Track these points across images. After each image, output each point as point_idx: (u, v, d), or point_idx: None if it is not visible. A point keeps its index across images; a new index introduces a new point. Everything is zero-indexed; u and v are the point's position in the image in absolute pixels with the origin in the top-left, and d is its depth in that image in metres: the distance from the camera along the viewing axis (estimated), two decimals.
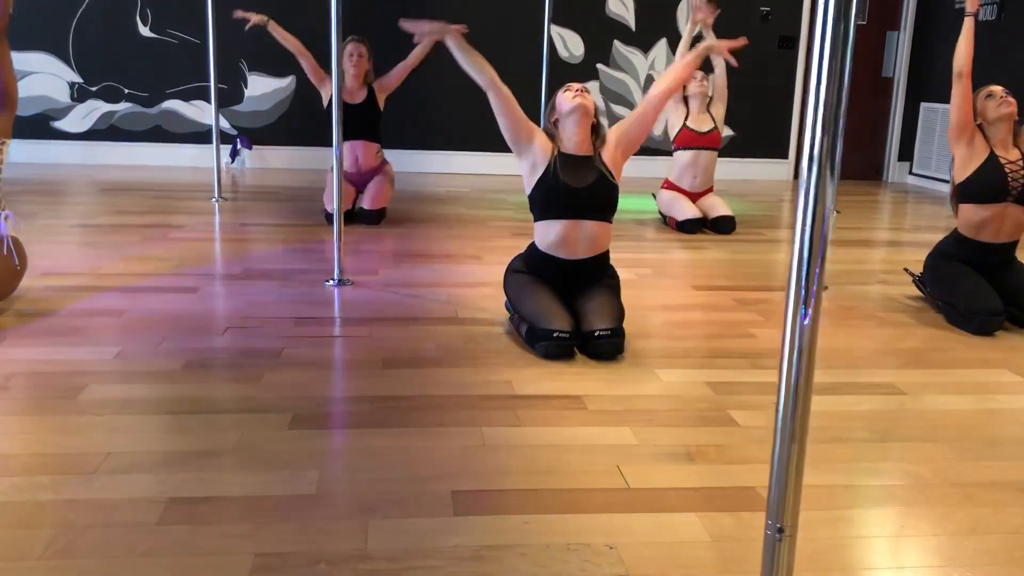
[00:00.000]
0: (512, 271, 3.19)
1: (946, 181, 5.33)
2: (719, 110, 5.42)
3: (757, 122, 7.76)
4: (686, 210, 5.22)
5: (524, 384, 2.66)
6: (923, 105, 7.72)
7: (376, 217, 5.08)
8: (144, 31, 7.08)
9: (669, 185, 5.41)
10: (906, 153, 8.00)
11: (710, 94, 5.42)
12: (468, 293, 3.68)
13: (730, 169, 7.73)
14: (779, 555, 1.25)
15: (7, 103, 3.16)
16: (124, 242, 4.40)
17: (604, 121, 3.21)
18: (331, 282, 3.73)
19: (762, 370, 2.88)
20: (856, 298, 3.82)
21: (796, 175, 7.90)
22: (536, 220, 3.12)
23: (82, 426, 2.26)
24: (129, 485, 1.96)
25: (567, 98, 3.04)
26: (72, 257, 4.07)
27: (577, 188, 3.01)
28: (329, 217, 4.98)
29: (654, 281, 4.04)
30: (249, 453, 2.15)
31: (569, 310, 2.98)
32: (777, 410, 1.25)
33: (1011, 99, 3.45)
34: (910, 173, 7.99)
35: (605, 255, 3.14)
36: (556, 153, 3.05)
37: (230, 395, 2.51)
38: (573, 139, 3.05)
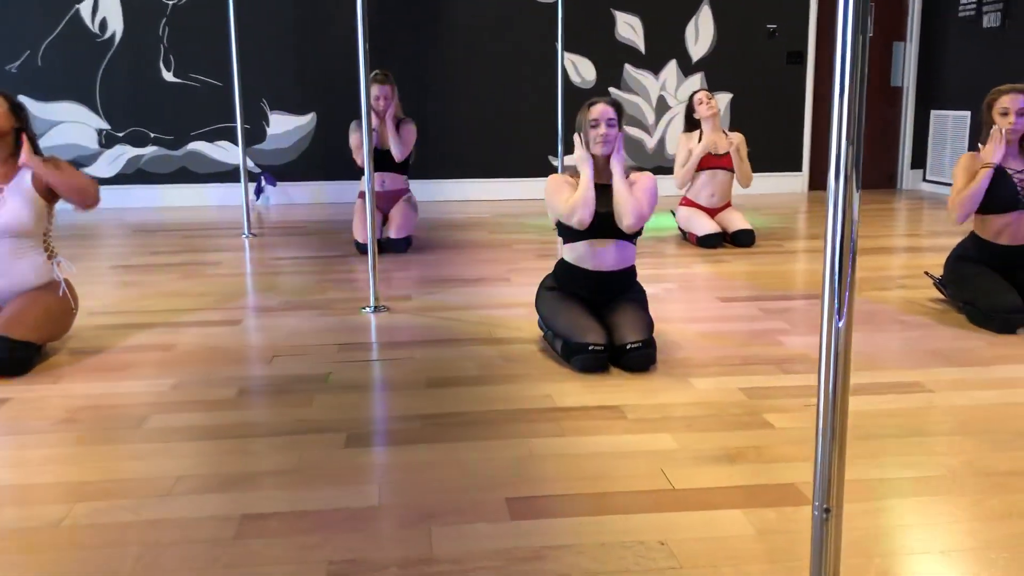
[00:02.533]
0: (544, 288, 3.31)
1: None
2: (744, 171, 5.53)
3: (770, 137, 7.87)
4: (705, 226, 5.34)
5: (564, 397, 2.77)
6: (933, 113, 7.82)
7: (404, 245, 5.23)
8: (168, 76, 7.28)
9: (687, 202, 5.53)
10: (919, 160, 8.09)
11: (720, 112, 5.53)
12: (501, 314, 3.79)
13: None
14: (827, 534, 1.35)
15: (85, 201, 3.29)
16: (163, 280, 4.55)
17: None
18: (367, 309, 3.86)
19: (792, 375, 2.97)
20: (879, 303, 3.91)
21: (811, 187, 8.03)
22: (564, 242, 3.24)
23: (150, 453, 2.38)
24: (203, 505, 2.08)
25: (593, 139, 3.16)
26: (115, 296, 4.22)
27: (602, 212, 3.13)
28: (360, 247, 5.12)
29: (679, 295, 4.15)
30: (311, 471, 2.26)
31: (601, 324, 3.10)
32: (819, 401, 1.35)
33: (1022, 120, 3.50)
34: (923, 180, 8.07)
35: (631, 269, 3.26)
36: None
37: (285, 418, 2.63)
38: (602, 170, 3.20)
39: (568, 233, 3.21)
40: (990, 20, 7.06)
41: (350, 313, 3.84)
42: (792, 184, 8.02)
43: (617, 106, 3.21)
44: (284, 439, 2.47)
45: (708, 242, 5.29)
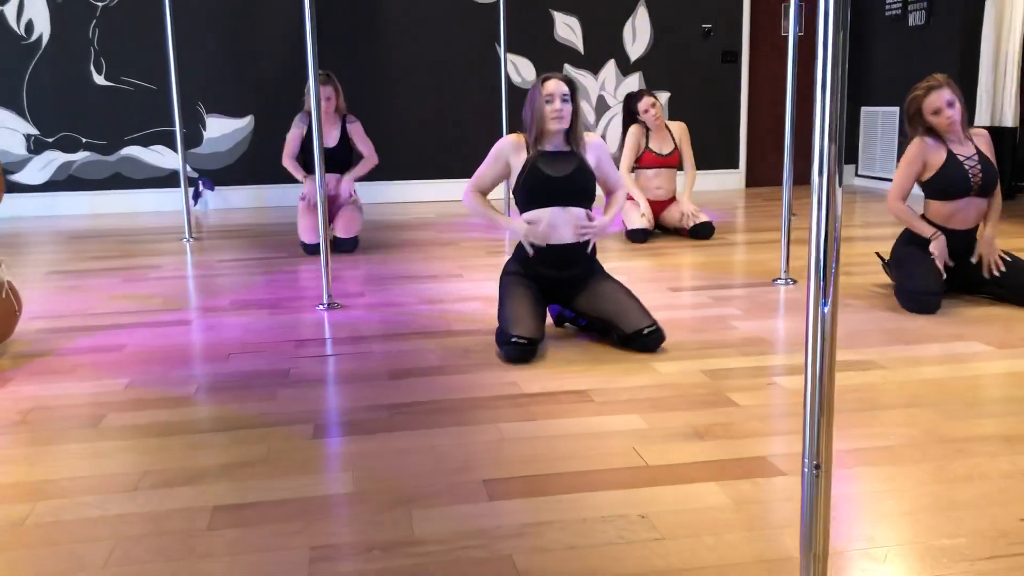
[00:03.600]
0: (505, 273, 3.31)
1: (890, 180, 5.50)
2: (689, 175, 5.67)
3: (707, 135, 8.01)
4: (635, 220, 5.40)
5: (530, 384, 2.78)
6: (863, 109, 8.05)
7: (351, 244, 5.18)
8: (99, 79, 7.10)
9: (630, 196, 5.59)
10: (851, 156, 8.32)
11: (664, 117, 5.62)
12: (457, 308, 3.78)
13: (683, 181, 7.96)
14: (818, 489, 1.37)
15: None
16: (105, 284, 4.43)
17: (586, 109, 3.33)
18: (321, 306, 3.81)
19: (750, 356, 3.02)
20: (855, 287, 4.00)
21: (748, 184, 8.18)
22: (521, 213, 3.25)
23: (112, 450, 2.31)
24: (172, 498, 2.02)
25: (549, 115, 3.16)
26: (57, 301, 4.09)
27: (556, 177, 3.17)
28: (307, 247, 5.07)
29: (630, 286, 4.18)
30: (280, 462, 2.22)
31: (556, 312, 3.12)
32: (807, 369, 1.39)
33: (955, 109, 3.58)
34: (856, 175, 8.30)
35: (587, 244, 3.27)
36: (534, 152, 3.21)
37: (249, 412, 2.58)
38: (554, 140, 3.22)
39: (524, 201, 3.24)
40: (915, 18, 7.30)
41: (303, 312, 3.79)
42: (729, 181, 8.17)
43: (570, 82, 3.20)
44: (250, 432, 2.42)
45: (636, 236, 5.36)
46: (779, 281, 4.17)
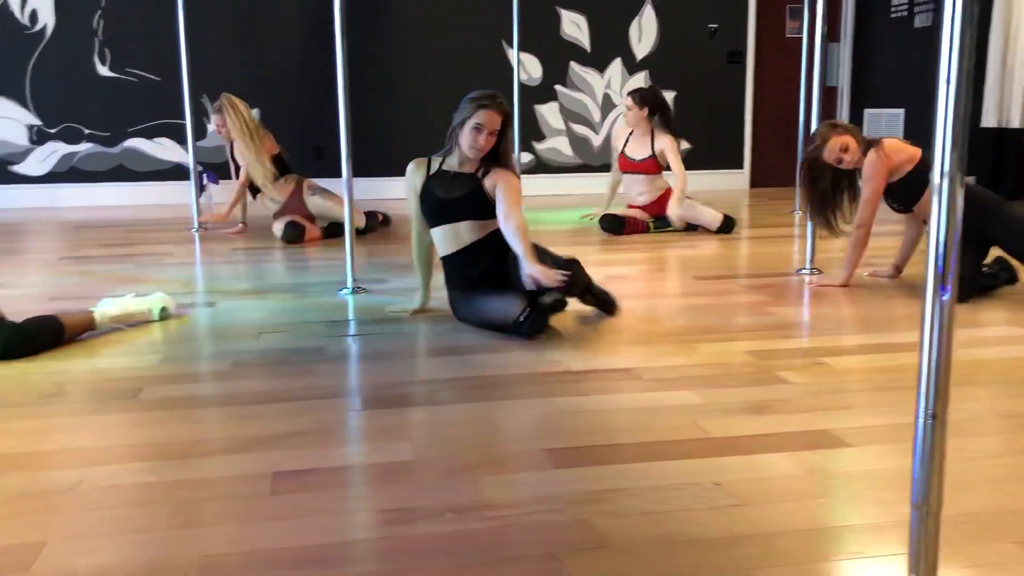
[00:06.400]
0: (450, 302, 3.26)
1: None
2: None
3: (711, 135, 8.01)
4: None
5: (574, 362, 2.73)
6: (867, 111, 8.06)
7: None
8: (103, 70, 7.02)
9: (629, 205, 5.56)
10: None
11: (646, 117, 5.41)
12: None
13: (690, 181, 7.94)
14: (935, 439, 1.34)
15: None
16: (119, 270, 4.35)
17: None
18: (345, 290, 3.75)
19: (793, 338, 2.99)
20: (858, 279, 3.96)
21: (752, 184, 8.18)
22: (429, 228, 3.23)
23: (155, 420, 2.25)
24: (227, 465, 1.96)
25: (471, 142, 3.04)
26: (72, 284, 4.01)
27: (445, 199, 3.11)
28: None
29: (654, 274, 4.15)
30: (333, 432, 2.17)
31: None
32: (923, 320, 1.37)
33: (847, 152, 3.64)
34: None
35: (495, 235, 3.11)
36: (435, 171, 3.17)
37: (291, 386, 2.51)
38: (464, 162, 3.13)
39: (426, 218, 3.21)
40: (922, 20, 7.32)
41: (327, 295, 3.73)
42: (734, 181, 8.16)
43: (506, 114, 3.08)
44: (296, 404, 2.36)
45: (605, 224, 5.31)
46: (804, 271, 4.14)
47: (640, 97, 5.42)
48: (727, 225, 5.37)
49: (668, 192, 5.47)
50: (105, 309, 3.10)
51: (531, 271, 2.86)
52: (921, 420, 1.36)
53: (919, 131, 7.32)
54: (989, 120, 6.85)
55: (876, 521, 1.69)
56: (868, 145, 3.66)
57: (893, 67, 7.76)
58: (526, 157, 7.66)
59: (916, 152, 3.64)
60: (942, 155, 1.30)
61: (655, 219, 5.43)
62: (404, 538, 1.63)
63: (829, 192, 3.74)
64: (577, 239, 5.22)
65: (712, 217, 5.38)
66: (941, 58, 1.25)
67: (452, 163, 3.16)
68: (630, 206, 5.53)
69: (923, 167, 3.58)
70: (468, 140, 3.04)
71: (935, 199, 1.32)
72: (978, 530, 1.65)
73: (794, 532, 1.65)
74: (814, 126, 4.15)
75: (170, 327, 3.19)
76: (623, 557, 1.56)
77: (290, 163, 5.55)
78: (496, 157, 3.11)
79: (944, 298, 1.37)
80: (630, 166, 5.48)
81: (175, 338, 3.05)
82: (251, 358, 2.80)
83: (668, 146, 5.38)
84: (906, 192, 3.64)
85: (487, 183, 3.09)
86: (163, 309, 3.25)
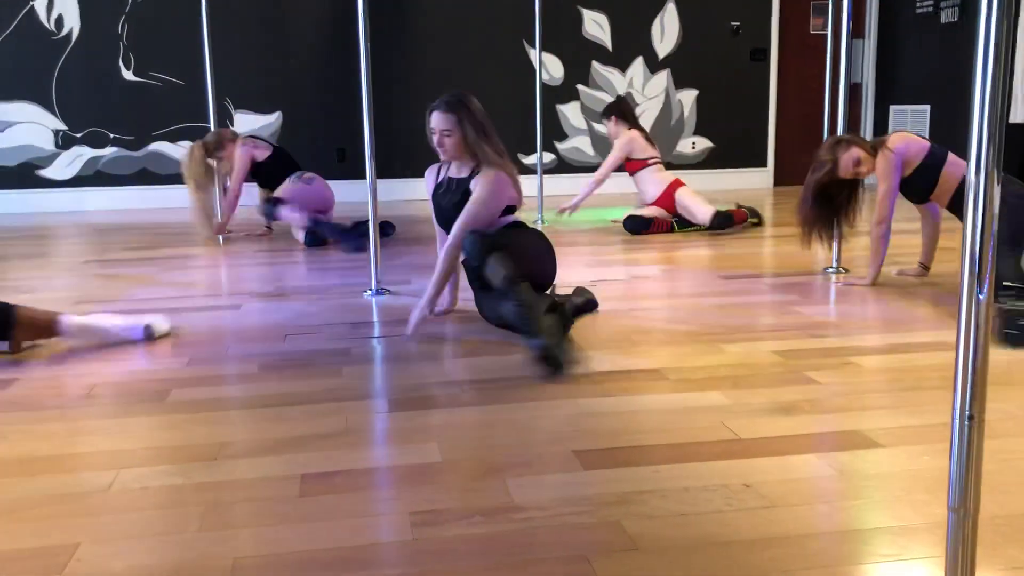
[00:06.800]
0: (475, 300, 3.29)
1: None
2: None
3: (734, 133, 7.96)
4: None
5: (599, 363, 2.71)
6: (892, 108, 7.99)
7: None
8: (127, 75, 7.07)
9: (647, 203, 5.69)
10: None
11: (618, 131, 5.70)
12: None
13: (712, 180, 7.91)
14: (972, 440, 1.31)
15: None
16: (146, 272, 4.38)
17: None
18: (369, 292, 3.76)
19: (820, 338, 2.96)
20: (885, 277, 3.92)
21: (776, 182, 8.13)
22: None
23: (183, 422, 2.26)
24: (256, 467, 1.97)
25: (435, 146, 3.16)
26: (100, 287, 4.04)
27: (445, 207, 3.21)
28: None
29: (679, 274, 4.13)
30: (361, 433, 2.17)
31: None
32: (959, 321, 1.34)
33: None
34: None
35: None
36: (443, 179, 3.26)
37: (317, 388, 2.52)
38: (459, 167, 3.22)
39: (440, 225, 3.31)
40: (948, 15, 7.24)
41: (352, 297, 3.74)
42: (758, 179, 8.11)
43: (455, 111, 3.10)
44: (322, 406, 2.36)
45: (629, 224, 5.39)
46: (830, 270, 4.11)
47: (606, 114, 5.76)
48: (719, 221, 5.36)
49: (673, 183, 5.56)
50: (82, 320, 3.01)
51: (414, 315, 3.06)
52: (958, 421, 1.33)
53: (945, 127, 7.25)
54: (1018, 116, 6.76)
55: (910, 523, 1.67)
56: (874, 148, 3.67)
57: (919, 63, 7.68)
58: (548, 157, 7.65)
59: (925, 143, 3.64)
60: (978, 152, 1.28)
61: (677, 219, 5.44)
62: (434, 540, 1.63)
63: (845, 202, 3.78)
64: (599, 239, 5.20)
65: (704, 213, 5.38)
66: (977, 52, 1.23)
67: (453, 169, 3.23)
68: (648, 204, 5.56)
69: (931, 158, 3.60)
70: (435, 144, 3.15)
71: (970, 196, 1.31)
72: (1017, 532, 1.63)
73: (827, 534, 1.63)
74: (839, 124, 4.12)
75: (183, 335, 3.21)
76: (654, 559, 1.55)
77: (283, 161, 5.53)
78: (476, 157, 3.14)
79: (980, 297, 1.34)
80: (639, 164, 5.64)
81: (201, 340, 3.06)
82: (277, 360, 2.81)
83: (619, 140, 5.67)
84: (923, 183, 3.62)
85: (472, 186, 3.13)
86: (147, 327, 3.06)
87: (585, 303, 3.28)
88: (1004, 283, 3.28)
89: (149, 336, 3.07)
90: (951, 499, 1.34)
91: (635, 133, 5.63)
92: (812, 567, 1.52)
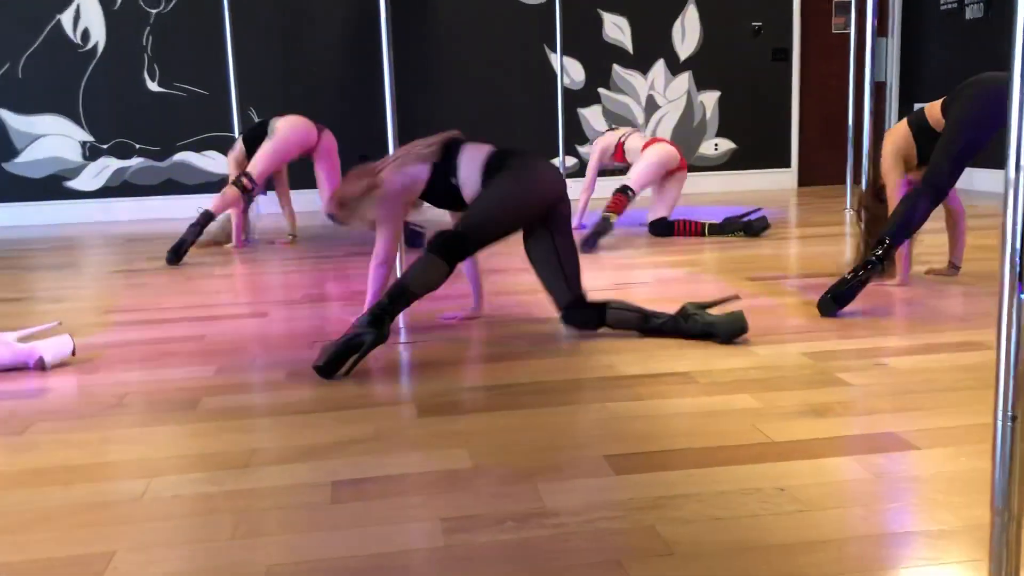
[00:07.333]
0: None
1: None
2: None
3: (757, 134, 7.92)
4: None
5: (627, 366, 2.70)
6: (916, 106, 7.92)
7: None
8: (152, 86, 7.14)
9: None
10: None
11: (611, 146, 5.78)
12: (530, 299, 3.72)
13: (736, 181, 7.88)
14: (1015, 441, 1.29)
15: None
16: (172, 281, 4.41)
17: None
18: None
19: (850, 339, 2.93)
20: (916, 277, 3.89)
21: (800, 183, 8.07)
22: None
23: (213, 430, 2.26)
24: (286, 474, 1.97)
25: None
26: (127, 296, 4.07)
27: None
28: None
29: (706, 276, 4.10)
30: (391, 439, 2.16)
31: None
32: (998, 324, 1.32)
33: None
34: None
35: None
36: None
37: (345, 395, 2.52)
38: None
39: None
40: (973, 11, 7.17)
41: None
42: (781, 180, 8.06)
43: (331, 215, 3.15)
44: (352, 412, 2.36)
45: (654, 228, 5.42)
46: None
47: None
48: (657, 229, 5.39)
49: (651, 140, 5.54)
50: None
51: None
52: (1000, 422, 1.31)
53: None
54: None
55: (950, 526, 1.64)
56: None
57: (944, 60, 7.61)
58: (570, 161, 7.65)
59: (904, 128, 3.74)
60: (1017, 147, 1.26)
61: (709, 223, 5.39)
62: (466, 546, 1.62)
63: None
64: (623, 242, 5.18)
65: (637, 184, 5.39)
66: (1015, 44, 1.21)
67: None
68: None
69: (915, 128, 3.69)
70: None
71: (1009, 193, 1.28)
72: None
73: (864, 538, 1.61)
74: (864, 123, 4.10)
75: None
76: (690, 564, 1.53)
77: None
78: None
79: (1021, 296, 1.32)
80: (619, 152, 5.75)
81: (229, 349, 3.08)
82: (305, 367, 2.81)
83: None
84: (930, 146, 3.61)
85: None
86: (39, 359, 2.84)
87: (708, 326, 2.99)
88: None
89: (41, 368, 2.86)
90: (994, 501, 1.32)
91: (601, 137, 5.82)
92: (850, 571, 1.50)
